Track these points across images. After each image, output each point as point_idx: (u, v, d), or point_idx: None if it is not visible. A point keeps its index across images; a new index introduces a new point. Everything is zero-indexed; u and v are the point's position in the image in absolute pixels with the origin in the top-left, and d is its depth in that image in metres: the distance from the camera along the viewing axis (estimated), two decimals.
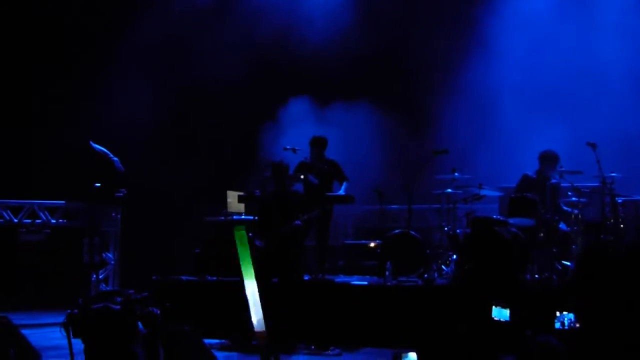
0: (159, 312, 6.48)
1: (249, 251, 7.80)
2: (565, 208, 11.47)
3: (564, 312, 8.85)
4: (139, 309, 6.49)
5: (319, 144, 12.42)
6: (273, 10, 15.96)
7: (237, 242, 9.07)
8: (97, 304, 6.43)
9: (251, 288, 9.01)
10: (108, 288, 13.46)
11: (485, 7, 14.89)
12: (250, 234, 11.24)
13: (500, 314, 9.21)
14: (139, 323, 6.50)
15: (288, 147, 12.50)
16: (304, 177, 11.94)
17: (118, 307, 6.38)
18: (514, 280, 10.22)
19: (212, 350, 8.12)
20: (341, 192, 12.32)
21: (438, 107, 14.74)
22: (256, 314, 9.97)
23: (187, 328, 7.49)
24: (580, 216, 11.23)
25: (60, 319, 12.70)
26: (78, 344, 6.52)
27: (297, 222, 10.88)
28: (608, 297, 8.16)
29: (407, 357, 8.35)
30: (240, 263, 8.58)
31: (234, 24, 16.12)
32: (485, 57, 14.52)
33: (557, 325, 9.01)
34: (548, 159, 11.69)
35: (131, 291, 6.48)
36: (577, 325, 8.80)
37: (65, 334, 6.54)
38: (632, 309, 7.95)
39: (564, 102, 14.05)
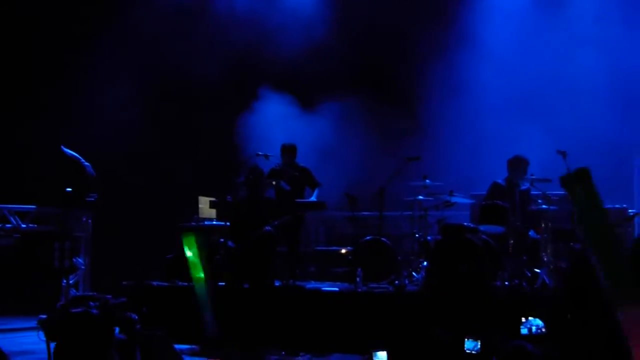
0: (136, 317, 6.49)
1: (199, 256, 7.75)
2: (535, 211, 11.54)
3: (530, 318, 8.92)
4: (116, 314, 6.50)
5: (288, 151, 12.45)
6: (252, 11, 15.96)
7: (185, 247, 9.05)
8: (76, 308, 6.41)
9: (201, 292, 8.96)
10: (78, 293, 13.37)
11: (463, 7, 14.98)
12: (222, 239, 11.27)
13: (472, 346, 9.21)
14: (116, 328, 6.50)
15: (260, 153, 12.51)
16: (276, 183, 11.96)
17: (97, 311, 6.37)
18: (484, 288, 10.29)
19: (183, 356, 8.12)
20: (313, 198, 12.35)
21: (410, 114, 14.83)
22: (208, 318, 10.00)
23: (160, 333, 7.50)
24: (549, 224, 11.31)
25: (31, 324, 12.68)
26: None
27: (267, 227, 10.89)
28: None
29: (377, 356, 8.41)
30: (190, 268, 8.54)
31: (214, 23, 16.08)
32: (459, 65, 14.59)
33: (524, 331, 9.09)
34: (516, 165, 11.78)
35: (109, 296, 6.48)
36: (544, 330, 8.87)
37: (43, 337, 6.52)
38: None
39: (536, 110, 14.15)
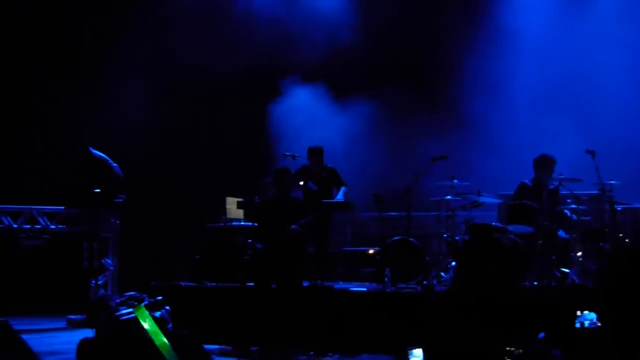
0: (168, 317, 6.52)
1: (155, 325, 7.56)
2: (565, 212, 11.48)
3: (585, 312, 8.84)
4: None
5: (316, 154, 12.44)
6: (275, 10, 15.97)
7: (140, 320, 8.82)
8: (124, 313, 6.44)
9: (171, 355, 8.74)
10: (107, 293, 13.44)
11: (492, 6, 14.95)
12: (250, 240, 11.29)
13: None
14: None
15: (287, 153, 12.54)
16: (304, 183, 11.96)
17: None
18: (513, 288, 10.24)
19: (212, 356, 8.13)
20: (339, 197, 12.35)
21: (438, 113, 14.79)
22: None
23: (187, 333, 7.52)
24: (579, 224, 11.26)
25: (60, 324, 12.78)
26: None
27: (294, 226, 10.89)
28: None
29: (412, 354, 8.39)
30: (153, 338, 8.32)
31: (237, 20, 16.09)
32: (488, 64, 14.55)
33: (577, 324, 8.99)
34: (542, 164, 11.72)
35: (144, 295, 6.51)
36: (599, 324, 8.80)
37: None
38: None
39: (566, 109, 14.09)
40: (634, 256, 8.84)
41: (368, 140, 14.96)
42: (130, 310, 6.45)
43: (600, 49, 14.23)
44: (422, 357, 8.37)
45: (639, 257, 8.71)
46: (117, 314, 6.42)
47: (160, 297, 6.52)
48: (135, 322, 6.46)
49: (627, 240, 11.09)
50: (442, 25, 15.41)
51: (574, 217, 11.34)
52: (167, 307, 6.49)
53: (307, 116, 14.88)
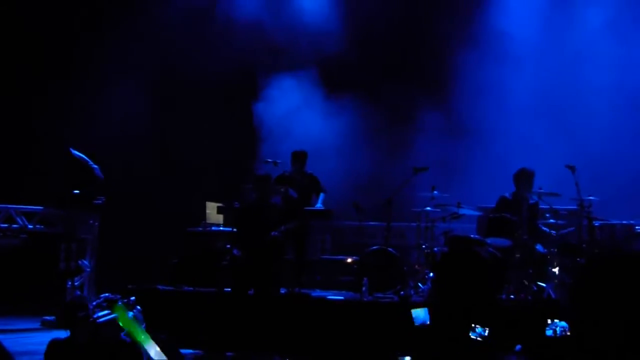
0: (141, 317, 6.48)
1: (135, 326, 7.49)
2: (543, 229, 11.54)
3: (556, 320, 8.90)
4: None
5: (299, 158, 12.49)
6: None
7: (119, 318, 8.78)
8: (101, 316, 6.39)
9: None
10: (83, 294, 13.36)
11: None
12: (229, 246, 11.27)
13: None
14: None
15: (269, 159, 12.54)
16: (284, 190, 11.96)
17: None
18: (490, 300, 10.26)
19: None
20: (319, 204, 12.36)
21: (420, 126, 14.83)
22: None
23: (164, 337, 7.47)
24: (557, 238, 11.32)
25: (34, 324, 12.69)
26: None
27: (274, 232, 10.88)
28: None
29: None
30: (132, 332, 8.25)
31: (224, 23, 16.08)
32: (472, 78, 14.59)
33: (549, 332, 9.05)
34: (521, 177, 11.76)
35: (117, 296, 6.46)
36: (569, 333, 8.86)
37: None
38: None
39: (548, 124, 14.15)
40: (607, 266, 8.95)
41: (351, 148, 14.97)
42: (106, 312, 6.40)
43: (584, 64, 14.29)
44: None
45: (611, 267, 8.81)
46: (95, 316, 6.36)
47: (133, 298, 6.47)
48: (114, 323, 6.41)
49: (597, 251, 11.13)
50: (426, 35, 15.43)
51: (553, 232, 11.39)
52: (139, 307, 6.44)
53: (290, 122, 14.89)
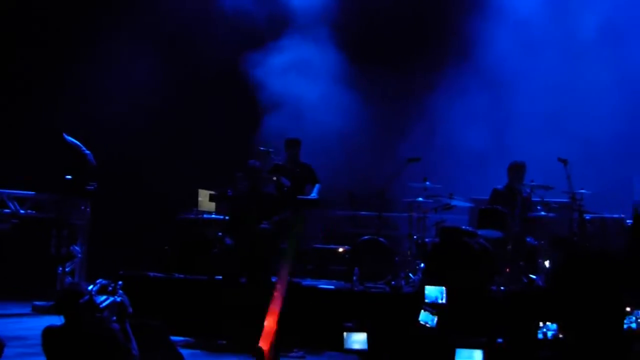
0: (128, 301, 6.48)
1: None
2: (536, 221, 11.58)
3: (547, 323, 8.94)
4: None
5: (293, 145, 12.45)
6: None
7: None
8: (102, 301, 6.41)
9: None
10: (75, 280, 13.36)
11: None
12: (220, 233, 11.27)
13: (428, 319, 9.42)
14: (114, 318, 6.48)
15: (263, 148, 12.53)
16: (277, 178, 11.96)
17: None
18: (481, 292, 10.30)
19: (178, 348, 8.12)
20: (313, 194, 12.35)
21: (415, 115, 14.82)
22: None
23: (155, 323, 7.49)
24: (547, 231, 11.35)
25: (25, 309, 12.69)
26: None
27: (265, 225, 10.90)
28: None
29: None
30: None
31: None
32: (462, 68, 14.59)
33: (540, 335, 9.09)
34: (514, 170, 11.82)
35: (106, 282, 6.46)
36: (561, 336, 8.91)
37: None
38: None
39: (541, 117, 14.17)
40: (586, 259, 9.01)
41: (346, 138, 14.95)
42: (105, 297, 6.40)
43: (575, 59, 14.31)
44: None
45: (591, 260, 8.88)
46: (97, 301, 6.36)
47: (120, 282, 6.47)
48: (113, 308, 6.42)
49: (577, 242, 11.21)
50: (419, 22, 15.41)
51: (542, 213, 11.41)
52: (121, 292, 6.45)
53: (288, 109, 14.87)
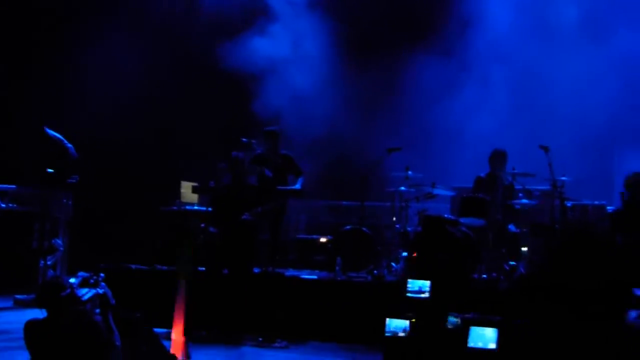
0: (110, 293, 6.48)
1: None
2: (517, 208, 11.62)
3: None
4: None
5: (272, 136, 12.42)
6: None
7: None
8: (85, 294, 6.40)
9: None
10: (57, 274, 13.31)
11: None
12: (203, 224, 11.25)
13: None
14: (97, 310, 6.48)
15: (245, 139, 12.50)
16: (259, 169, 11.94)
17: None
18: (463, 279, 10.33)
19: (160, 340, 8.11)
20: (297, 186, 12.32)
21: (394, 104, 14.82)
22: None
23: (138, 315, 7.48)
24: (528, 218, 11.41)
25: (7, 303, 12.62)
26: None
27: (246, 216, 10.90)
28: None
29: None
30: None
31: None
32: (443, 54, 14.59)
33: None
34: (495, 157, 11.87)
35: (87, 274, 6.45)
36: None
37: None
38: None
39: (520, 104, 14.20)
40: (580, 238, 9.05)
41: (330, 128, 14.91)
42: (87, 290, 6.40)
43: (552, 45, 14.33)
44: None
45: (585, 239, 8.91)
46: (79, 294, 6.36)
47: (102, 275, 6.47)
48: (95, 301, 6.41)
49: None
50: (404, 11, 15.39)
51: (524, 200, 11.47)
52: (103, 284, 6.45)
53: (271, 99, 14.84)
